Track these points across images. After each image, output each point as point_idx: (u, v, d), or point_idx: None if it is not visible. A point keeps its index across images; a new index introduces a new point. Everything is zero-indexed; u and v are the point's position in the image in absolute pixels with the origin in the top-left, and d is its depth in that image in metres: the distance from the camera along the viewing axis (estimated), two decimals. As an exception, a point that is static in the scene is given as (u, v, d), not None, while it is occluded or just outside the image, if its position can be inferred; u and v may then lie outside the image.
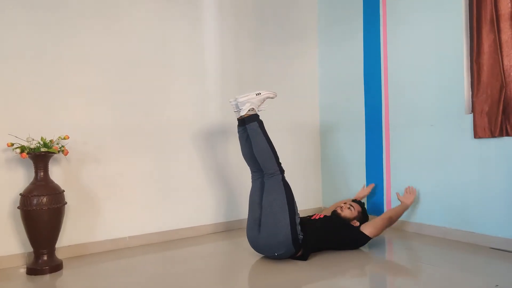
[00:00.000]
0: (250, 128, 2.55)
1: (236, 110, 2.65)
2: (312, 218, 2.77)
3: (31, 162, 2.48)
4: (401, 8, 3.29)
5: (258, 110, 2.62)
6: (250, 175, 2.72)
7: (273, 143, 2.59)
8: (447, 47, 2.98)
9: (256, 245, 2.55)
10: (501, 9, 2.68)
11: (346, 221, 2.75)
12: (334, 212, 2.82)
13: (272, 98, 2.68)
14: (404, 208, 3.01)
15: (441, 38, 3.02)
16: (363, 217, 2.85)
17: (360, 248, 2.75)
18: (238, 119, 2.65)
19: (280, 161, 2.60)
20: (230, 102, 2.67)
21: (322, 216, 2.78)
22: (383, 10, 3.43)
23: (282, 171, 2.55)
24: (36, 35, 2.63)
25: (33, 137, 2.48)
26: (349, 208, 2.81)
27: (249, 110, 2.57)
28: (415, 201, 3.17)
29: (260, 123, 2.57)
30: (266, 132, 2.57)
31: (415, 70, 3.19)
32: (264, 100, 2.64)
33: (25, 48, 2.59)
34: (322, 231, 2.61)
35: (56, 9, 2.70)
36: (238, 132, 2.67)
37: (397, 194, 3.18)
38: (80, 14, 2.79)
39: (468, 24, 2.90)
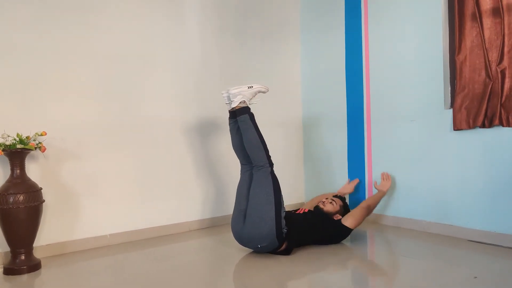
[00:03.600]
0: (241, 121, 2.55)
1: (227, 102, 2.65)
2: (297, 212, 2.79)
3: (6, 159, 2.41)
4: (382, 3, 3.31)
5: (250, 103, 2.62)
6: (236, 170, 2.72)
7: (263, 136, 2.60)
8: (428, 43, 3.01)
9: (239, 236, 2.55)
10: (483, 4, 2.73)
11: (328, 215, 2.78)
12: (317, 207, 2.86)
13: (264, 92, 2.69)
14: (381, 195, 3.07)
15: (422, 34, 3.05)
16: (345, 211, 2.89)
17: (342, 242, 2.78)
18: (230, 111, 2.64)
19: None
20: (222, 93, 2.66)
21: (306, 211, 2.80)
22: (364, 6, 3.45)
23: (271, 164, 2.57)
24: (11, 30, 2.55)
25: (9, 134, 2.40)
26: (331, 202, 2.86)
27: (240, 103, 2.57)
28: (392, 187, 3.23)
29: (251, 116, 2.57)
30: (256, 125, 2.58)
31: (396, 65, 3.22)
32: (255, 93, 2.65)
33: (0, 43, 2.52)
34: (305, 225, 2.63)
35: (33, 2, 2.62)
36: (229, 124, 2.67)
37: (375, 182, 3.23)
38: (58, 8, 2.71)
39: (448, 20, 2.94)
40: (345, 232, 2.71)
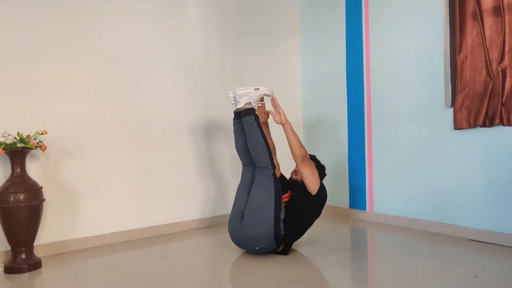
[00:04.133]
0: (246, 122, 2.55)
1: (233, 103, 2.64)
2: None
3: (7, 158, 2.41)
4: (383, 2, 3.31)
5: (255, 105, 2.62)
6: (236, 170, 2.71)
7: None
8: (428, 42, 3.01)
9: (236, 238, 2.54)
10: (483, 3, 2.72)
11: (303, 188, 2.57)
12: (295, 183, 2.67)
13: (269, 96, 2.69)
14: (285, 129, 2.62)
15: (422, 33, 3.05)
16: (321, 167, 2.70)
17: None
18: (235, 112, 2.64)
19: None
20: (228, 94, 2.66)
21: (287, 200, 2.64)
22: (365, 5, 3.45)
23: (274, 166, 2.56)
24: (12, 29, 2.55)
25: (9, 132, 2.40)
26: (295, 172, 2.70)
27: (246, 104, 2.57)
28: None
29: (256, 117, 2.57)
30: (261, 127, 2.58)
31: (397, 64, 3.22)
32: (261, 96, 2.65)
33: (0, 42, 2.51)
34: (298, 219, 2.55)
35: (33, 2, 2.62)
36: (234, 124, 2.66)
37: (271, 113, 2.70)
38: (59, 6, 2.71)
39: (448, 19, 2.94)
40: (322, 197, 2.56)
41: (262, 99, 2.74)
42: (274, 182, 2.51)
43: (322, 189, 2.59)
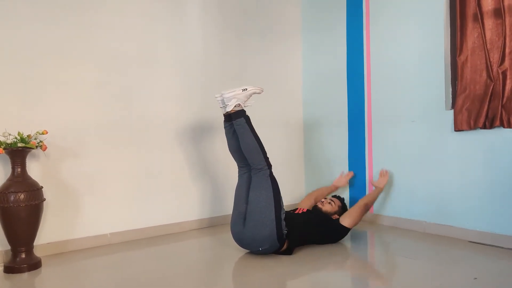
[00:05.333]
0: (237, 124, 2.54)
1: (222, 106, 2.63)
2: (296, 212, 2.79)
3: (7, 158, 2.41)
4: (384, 3, 3.31)
5: (245, 106, 2.61)
6: (235, 170, 2.71)
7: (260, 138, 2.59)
8: (429, 44, 3.01)
9: (240, 239, 2.54)
10: (484, 5, 2.72)
11: (327, 215, 2.79)
12: (316, 207, 2.89)
13: (258, 93, 2.67)
14: (378, 192, 3.08)
15: (423, 35, 3.05)
16: (343, 211, 2.91)
17: (342, 242, 2.77)
18: (224, 115, 2.63)
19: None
20: (216, 97, 2.64)
21: (305, 211, 2.80)
22: (366, 6, 3.45)
23: (269, 166, 2.56)
24: (12, 28, 2.55)
25: (10, 132, 2.40)
26: (329, 203, 2.90)
27: (235, 106, 2.56)
28: (392, 187, 3.23)
29: (247, 119, 2.56)
30: (253, 128, 2.56)
31: (398, 66, 3.22)
32: (250, 95, 2.63)
33: (1, 41, 2.51)
34: (305, 226, 2.63)
35: (35, 1, 2.62)
36: (225, 127, 2.65)
37: (371, 180, 3.23)
38: (59, 6, 2.71)
39: (449, 21, 2.94)
40: (343, 231, 2.72)
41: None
42: (271, 182, 2.51)
43: (346, 231, 2.73)
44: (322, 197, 3.24)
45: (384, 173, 3.21)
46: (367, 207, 2.88)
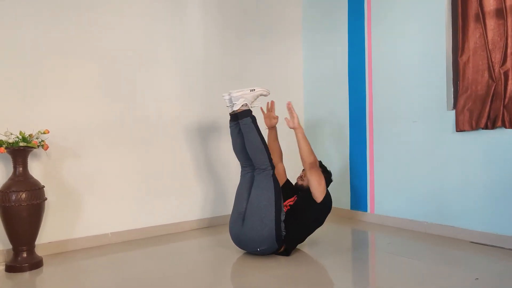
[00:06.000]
0: (243, 124, 2.54)
1: (229, 105, 2.63)
2: (285, 210, 2.62)
3: (9, 157, 2.42)
4: (386, 3, 3.31)
5: (251, 107, 2.62)
6: (236, 170, 2.71)
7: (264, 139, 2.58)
8: (431, 44, 3.01)
9: (238, 240, 2.54)
10: (486, 5, 2.72)
11: (309, 194, 2.56)
12: (297, 186, 2.72)
13: (265, 95, 2.69)
14: (297, 133, 2.63)
15: (425, 35, 3.05)
16: (325, 173, 2.67)
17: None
18: (231, 114, 2.63)
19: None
20: (224, 96, 2.65)
21: (290, 206, 2.63)
22: (367, 6, 3.45)
23: (273, 167, 2.56)
24: (13, 28, 2.56)
25: (12, 132, 2.41)
26: (301, 177, 2.72)
27: (242, 105, 2.56)
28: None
29: (253, 119, 2.56)
30: (258, 128, 2.57)
31: (399, 66, 3.22)
32: (257, 96, 2.64)
33: (2, 41, 2.52)
34: (299, 223, 2.55)
35: (36, 1, 2.63)
36: (230, 127, 2.65)
37: (285, 119, 2.67)
38: (60, 6, 2.72)
39: (451, 21, 2.94)
40: (326, 206, 2.55)
41: (272, 105, 2.68)
42: (274, 183, 2.51)
43: (327, 197, 2.57)
44: (279, 151, 2.88)
45: (290, 113, 2.66)
46: (305, 152, 2.55)
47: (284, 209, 2.62)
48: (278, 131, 2.90)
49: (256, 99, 2.65)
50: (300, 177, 2.74)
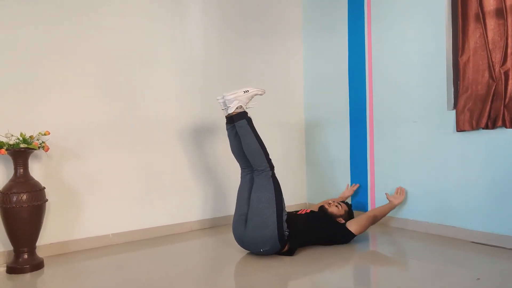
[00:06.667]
0: (239, 126, 2.54)
1: (223, 108, 2.63)
2: (298, 213, 2.78)
3: (10, 159, 2.42)
4: (386, 3, 3.31)
5: (246, 108, 2.61)
6: (237, 170, 2.71)
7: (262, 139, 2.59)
8: (431, 44, 3.01)
9: (241, 241, 2.54)
10: (486, 5, 2.72)
11: (332, 217, 2.78)
12: (321, 208, 2.87)
13: (260, 95, 2.67)
14: (390, 207, 3.01)
15: (425, 35, 3.05)
16: (349, 217, 2.89)
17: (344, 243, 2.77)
18: (226, 117, 2.63)
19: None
20: (218, 100, 2.64)
21: (308, 211, 2.79)
22: (367, 6, 3.45)
23: (272, 167, 2.56)
24: (14, 28, 2.56)
25: (12, 133, 2.41)
26: (336, 206, 2.87)
27: (237, 108, 2.55)
28: (403, 202, 3.17)
29: (249, 121, 2.55)
30: (255, 129, 2.56)
31: (399, 66, 3.22)
32: (252, 97, 2.63)
33: (2, 41, 2.52)
34: (307, 226, 2.63)
35: (36, 1, 2.63)
36: (227, 129, 2.65)
37: (386, 194, 3.14)
38: (59, 6, 2.72)
39: (451, 21, 2.94)
40: (348, 235, 2.71)
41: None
42: (273, 183, 2.51)
43: (350, 235, 2.71)
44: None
45: (400, 191, 3.12)
46: (375, 219, 2.85)
47: (303, 211, 2.78)
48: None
49: (251, 99, 2.64)
50: (328, 204, 2.91)
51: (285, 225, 2.47)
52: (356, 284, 2.18)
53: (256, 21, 3.73)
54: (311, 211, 2.82)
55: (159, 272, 2.31)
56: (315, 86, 3.96)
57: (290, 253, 2.51)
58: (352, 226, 2.71)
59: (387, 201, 3.11)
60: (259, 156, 2.53)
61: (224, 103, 2.60)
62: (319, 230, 2.66)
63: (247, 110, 2.60)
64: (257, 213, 2.45)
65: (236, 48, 3.60)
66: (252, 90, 2.61)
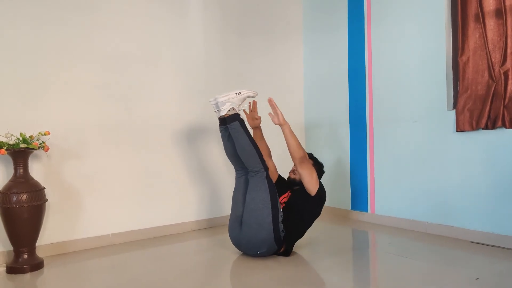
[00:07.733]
0: (232, 128, 2.53)
1: (216, 110, 2.62)
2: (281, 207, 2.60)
3: (10, 159, 2.42)
4: (385, 4, 3.31)
5: (239, 110, 2.60)
6: (233, 171, 2.71)
7: (255, 140, 2.58)
8: (431, 44, 3.01)
9: (237, 243, 2.54)
10: (486, 5, 2.72)
11: (302, 190, 2.58)
12: (289, 179, 2.71)
13: (252, 97, 2.66)
14: (284, 130, 2.61)
15: (425, 35, 3.05)
16: (316, 164, 2.70)
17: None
18: (219, 119, 2.62)
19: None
20: (210, 101, 2.63)
21: (286, 200, 2.64)
22: (367, 6, 3.45)
23: (266, 168, 2.54)
24: (14, 28, 2.56)
25: (12, 133, 2.41)
26: (293, 171, 2.71)
27: (229, 110, 2.55)
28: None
29: (241, 122, 2.54)
30: (248, 131, 2.55)
31: (399, 66, 3.22)
32: (244, 99, 2.62)
33: (2, 41, 2.52)
34: (299, 221, 2.56)
35: (37, 1, 2.63)
36: (220, 131, 2.65)
37: (269, 115, 2.63)
38: (62, 6, 2.72)
39: (451, 21, 2.94)
40: (319, 196, 2.55)
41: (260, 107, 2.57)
42: (268, 184, 2.49)
43: (321, 189, 2.58)
44: (267, 149, 2.86)
45: (274, 111, 2.61)
46: (293, 144, 2.55)
47: (280, 207, 2.61)
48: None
49: (243, 101, 2.62)
50: (292, 171, 2.73)
51: (281, 225, 2.46)
52: (354, 285, 2.18)
53: (257, 21, 3.73)
54: (288, 200, 2.63)
55: (158, 272, 2.31)
56: (315, 86, 3.96)
57: (287, 253, 2.51)
58: (309, 187, 2.50)
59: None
60: (253, 158, 2.52)
61: (216, 105, 2.58)
62: (306, 218, 2.56)
63: (239, 112, 2.60)
64: (253, 215, 2.43)
65: (237, 48, 3.60)
66: (244, 92, 2.60)
